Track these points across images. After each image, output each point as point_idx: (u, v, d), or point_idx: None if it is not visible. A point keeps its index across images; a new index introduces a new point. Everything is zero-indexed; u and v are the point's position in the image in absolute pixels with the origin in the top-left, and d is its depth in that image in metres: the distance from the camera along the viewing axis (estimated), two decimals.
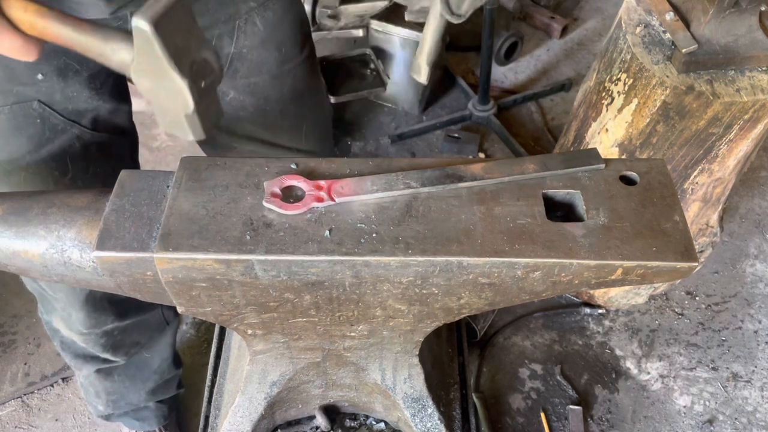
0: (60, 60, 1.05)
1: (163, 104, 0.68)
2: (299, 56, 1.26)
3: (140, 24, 0.60)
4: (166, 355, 1.73)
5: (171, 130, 0.72)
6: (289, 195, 0.86)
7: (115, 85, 1.17)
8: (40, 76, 1.04)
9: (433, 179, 0.87)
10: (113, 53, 0.66)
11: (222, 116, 0.75)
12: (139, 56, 0.64)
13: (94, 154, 1.17)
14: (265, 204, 0.84)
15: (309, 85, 1.32)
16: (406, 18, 0.73)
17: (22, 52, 0.68)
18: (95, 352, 1.51)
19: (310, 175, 0.88)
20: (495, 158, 0.87)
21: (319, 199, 0.85)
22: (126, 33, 0.66)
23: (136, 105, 1.30)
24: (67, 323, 1.41)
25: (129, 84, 1.21)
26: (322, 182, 0.87)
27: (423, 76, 0.79)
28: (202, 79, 0.68)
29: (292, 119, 1.32)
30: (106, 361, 1.56)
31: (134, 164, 1.34)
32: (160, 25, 0.60)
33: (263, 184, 0.86)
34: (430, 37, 0.78)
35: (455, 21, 0.74)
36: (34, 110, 1.07)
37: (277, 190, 0.85)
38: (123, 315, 1.43)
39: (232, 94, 1.23)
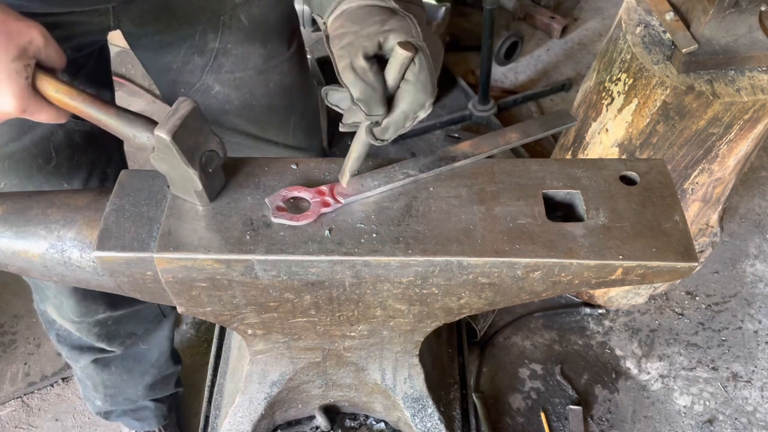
0: None
1: (177, 182, 0.83)
2: (286, 52, 1.26)
3: (162, 135, 0.75)
4: (163, 348, 1.72)
5: (182, 196, 0.85)
6: (295, 204, 0.86)
7: (93, 72, 1.16)
8: None
9: (429, 164, 0.90)
10: (134, 138, 0.80)
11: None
12: (159, 152, 0.78)
13: (78, 142, 1.16)
14: (274, 220, 0.84)
15: (297, 80, 1.31)
16: (341, 129, 0.80)
17: (54, 120, 0.82)
18: (90, 342, 1.50)
19: (310, 181, 0.89)
20: (479, 135, 0.92)
21: (326, 204, 0.85)
22: (146, 120, 0.81)
23: (137, 105, 1.30)
24: (59, 311, 1.41)
25: (116, 78, 1.21)
26: (324, 187, 0.87)
27: (343, 181, 0.87)
28: (209, 166, 0.82)
29: (279, 114, 1.32)
30: (101, 351, 1.56)
31: (120, 153, 1.32)
32: (177, 135, 0.75)
33: (265, 201, 0.86)
34: (355, 152, 0.85)
35: (379, 144, 0.82)
36: None
37: (282, 204, 0.85)
38: (115, 305, 1.42)
39: (217, 88, 1.23)
